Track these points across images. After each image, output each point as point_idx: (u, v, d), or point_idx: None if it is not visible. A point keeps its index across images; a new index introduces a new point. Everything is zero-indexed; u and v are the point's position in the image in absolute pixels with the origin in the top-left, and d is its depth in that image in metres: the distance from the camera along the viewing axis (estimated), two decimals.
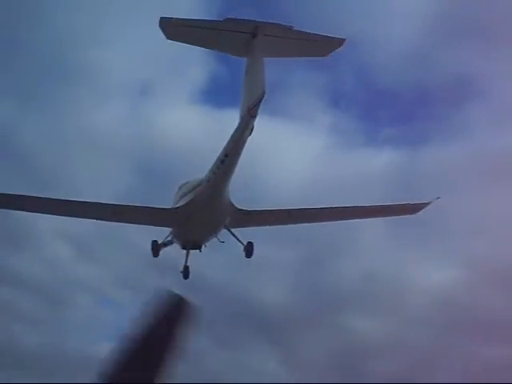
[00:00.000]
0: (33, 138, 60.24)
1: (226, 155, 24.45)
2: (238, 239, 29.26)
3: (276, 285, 58.91)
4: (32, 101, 64.74)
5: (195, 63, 67.79)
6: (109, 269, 58.01)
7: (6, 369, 45.47)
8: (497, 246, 52.72)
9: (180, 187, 28.45)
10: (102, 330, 64.77)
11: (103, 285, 60.78)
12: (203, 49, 25.53)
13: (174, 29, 22.38)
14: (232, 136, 23.62)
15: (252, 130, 23.13)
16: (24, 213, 29.82)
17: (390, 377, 50.53)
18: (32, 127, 62.19)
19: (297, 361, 58.76)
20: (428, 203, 31.54)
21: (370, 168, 60.64)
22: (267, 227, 30.71)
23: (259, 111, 22.44)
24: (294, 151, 64.98)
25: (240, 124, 23.04)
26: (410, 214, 32.13)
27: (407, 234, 53.01)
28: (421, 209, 31.76)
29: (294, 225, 31.61)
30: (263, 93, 22.00)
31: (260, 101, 22.02)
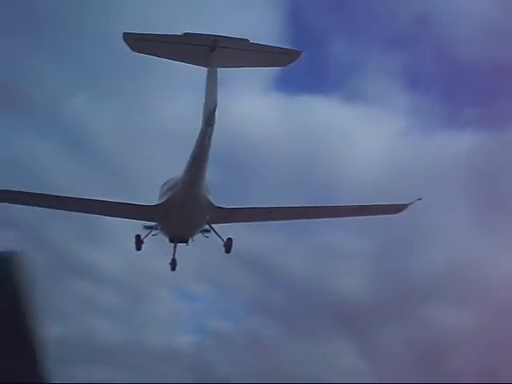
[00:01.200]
0: (107, 131, 61.07)
1: (193, 159, 26.23)
2: (218, 235, 31.03)
3: (355, 276, 58.84)
4: (105, 94, 66.67)
5: None
6: (185, 263, 60.00)
7: (88, 364, 48.09)
8: None
9: (163, 185, 30.36)
10: (183, 324, 66.88)
11: (181, 279, 60.14)
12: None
13: (136, 42, 24.15)
14: (196, 142, 25.31)
15: (211, 136, 24.77)
16: None
17: (476, 372, 47.38)
18: (106, 122, 62.63)
19: (378, 354, 57.53)
20: (409, 204, 32.34)
21: (451, 151, 59.86)
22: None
23: (215, 119, 24.11)
24: (371, 135, 64.79)
25: (200, 131, 24.71)
26: (394, 213, 32.94)
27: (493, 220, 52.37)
28: (403, 209, 32.56)
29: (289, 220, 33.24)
30: (215, 105, 23.63)
31: (213, 111, 23.67)
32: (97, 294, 59.35)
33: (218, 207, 29.95)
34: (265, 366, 55.93)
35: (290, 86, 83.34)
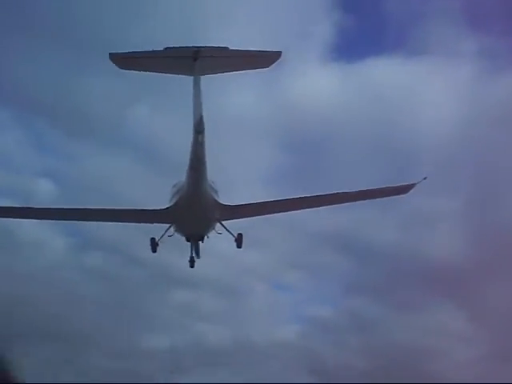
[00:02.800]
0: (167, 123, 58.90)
1: (191, 165, 27.55)
2: (229, 232, 32.58)
3: (446, 238, 56.97)
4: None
5: (318, 21, 66.88)
6: (274, 253, 58.63)
7: (202, 367, 49.71)
8: None
9: (173, 187, 31.80)
10: (283, 315, 65.91)
11: (273, 270, 61.38)
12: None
13: (122, 61, 25.43)
14: (191, 149, 26.61)
15: (203, 142, 25.97)
16: None
17: None
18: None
19: (487, 316, 55.46)
20: (416, 183, 32.80)
21: None
22: None
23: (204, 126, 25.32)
24: (441, 88, 62.92)
25: (192, 138, 25.99)
26: (400, 194, 33.47)
27: None
28: (410, 189, 33.06)
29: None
30: (201, 113, 24.85)
31: (200, 119, 24.89)
32: (195, 299, 59.87)
33: (225, 205, 31.32)
34: (373, 345, 55.45)
35: (347, 51, 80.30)
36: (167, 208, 31.36)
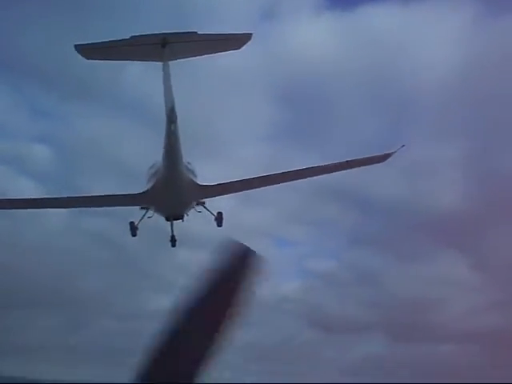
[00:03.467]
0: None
1: (166, 151, 27.14)
2: (208, 210, 32.42)
3: (449, 187, 58.52)
4: None
5: None
6: (276, 209, 59.07)
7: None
8: None
9: (149, 169, 31.34)
10: (287, 270, 66.05)
11: (275, 226, 62.03)
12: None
13: (88, 51, 24.47)
14: (164, 137, 26.16)
15: (176, 130, 25.47)
16: None
17: None
18: None
19: (490, 263, 57.39)
20: (393, 152, 32.63)
21: None
22: None
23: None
24: (435, 32, 63.38)
25: (165, 126, 25.44)
26: (378, 163, 33.35)
27: None
28: (388, 158, 32.91)
29: None
30: (173, 102, 24.18)
31: (172, 108, 24.31)
32: (199, 258, 59.88)
33: (202, 185, 30.98)
34: (378, 298, 55.79)
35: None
36: (145, 192, 30.95)
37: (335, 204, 60.31)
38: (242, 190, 33.39)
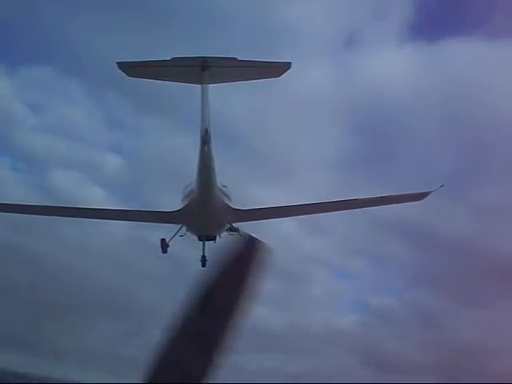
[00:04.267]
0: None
1: (199, 172, 27.73)
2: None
3: None
4: None
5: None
6: (336, 239, 58.35)
7: (257, 352, 48.61)
8: None
9: (184, 188, 31.94)
10: (343, 303, 67.39)
11: (334, 256, 61.21)
12: None
13: (130, 69, 25.36)
14: (198, 158, 26.69)
15: (210, 151, 26.00)
16: None
17: None
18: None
19: None
20: (431, 191, 32.19)
21: None
22: None
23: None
24: None
25: (199, 147, 26.00)
26: (415, 201, 32.90)
27: None
28: (425, 197, 32.47)
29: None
30: (207, 125, 24.76)
31: (206, 131, 24.85)
32: None
33: (236, 209, 31.31)
34: (436, 341, 52.55)
35: (426, 31, 77.82)
36: (178, 210, 31.55)
37: (397, 239, 58.38)
38: (276, 217, 33.50)
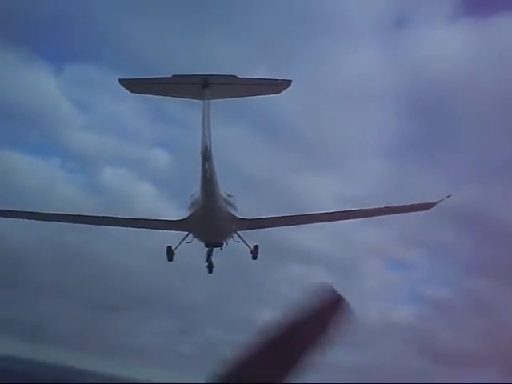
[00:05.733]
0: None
1: (202, 184, 28.03)
2: (245, 243, 32.98)
3: None
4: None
5: None
6: (390, 229, 56.40)
7: None
8: None
9: (190, 196, 32.33)
10: (399, 294, 66.51)
11: (389, 246, 60.61)
12: None
13: (133, 86, 25.74)
14: (200, 171, 26.98)
15: (211, 166, 26.30)
16: None
17: None
18: None
19: None
20: (438, 202, 32.03)
21: None
22: None
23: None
24: None
25: (201, 162, 26.34)
26: (422, 210, 32.85)
27: None
28: (431, 207, 32.36)
29: None
30: (208, 142, 25.00)
31: (206, 148, 25.12)
32: (310, 274, 58.15)
33: (241, 218, 31.66)
34: (495, 332, 52.12)
35: (481, 6, 76.22)
36: (184, 219, 32.01)
37: (454, 228, 56.79)
38: (279, 226, 33.77)
